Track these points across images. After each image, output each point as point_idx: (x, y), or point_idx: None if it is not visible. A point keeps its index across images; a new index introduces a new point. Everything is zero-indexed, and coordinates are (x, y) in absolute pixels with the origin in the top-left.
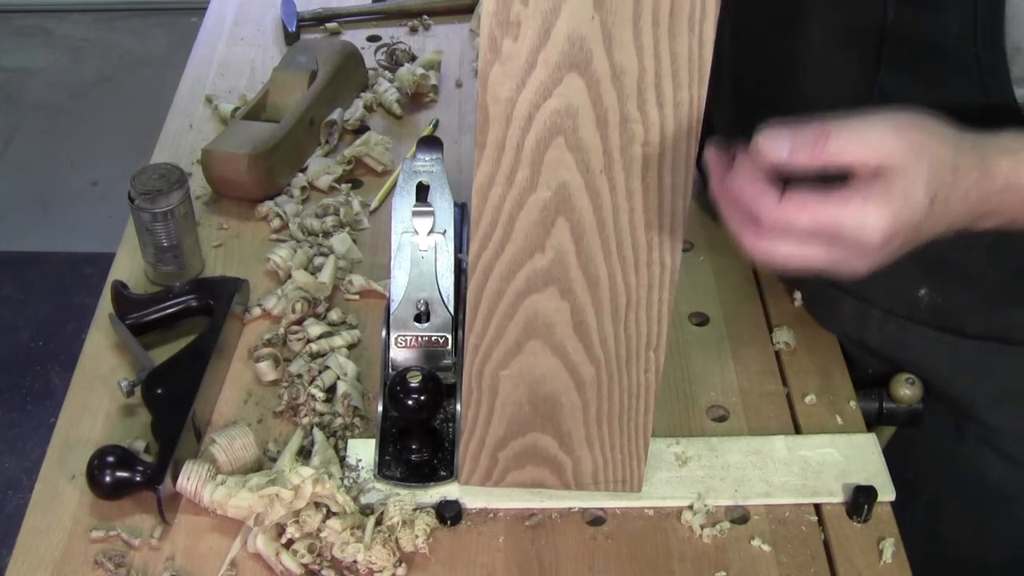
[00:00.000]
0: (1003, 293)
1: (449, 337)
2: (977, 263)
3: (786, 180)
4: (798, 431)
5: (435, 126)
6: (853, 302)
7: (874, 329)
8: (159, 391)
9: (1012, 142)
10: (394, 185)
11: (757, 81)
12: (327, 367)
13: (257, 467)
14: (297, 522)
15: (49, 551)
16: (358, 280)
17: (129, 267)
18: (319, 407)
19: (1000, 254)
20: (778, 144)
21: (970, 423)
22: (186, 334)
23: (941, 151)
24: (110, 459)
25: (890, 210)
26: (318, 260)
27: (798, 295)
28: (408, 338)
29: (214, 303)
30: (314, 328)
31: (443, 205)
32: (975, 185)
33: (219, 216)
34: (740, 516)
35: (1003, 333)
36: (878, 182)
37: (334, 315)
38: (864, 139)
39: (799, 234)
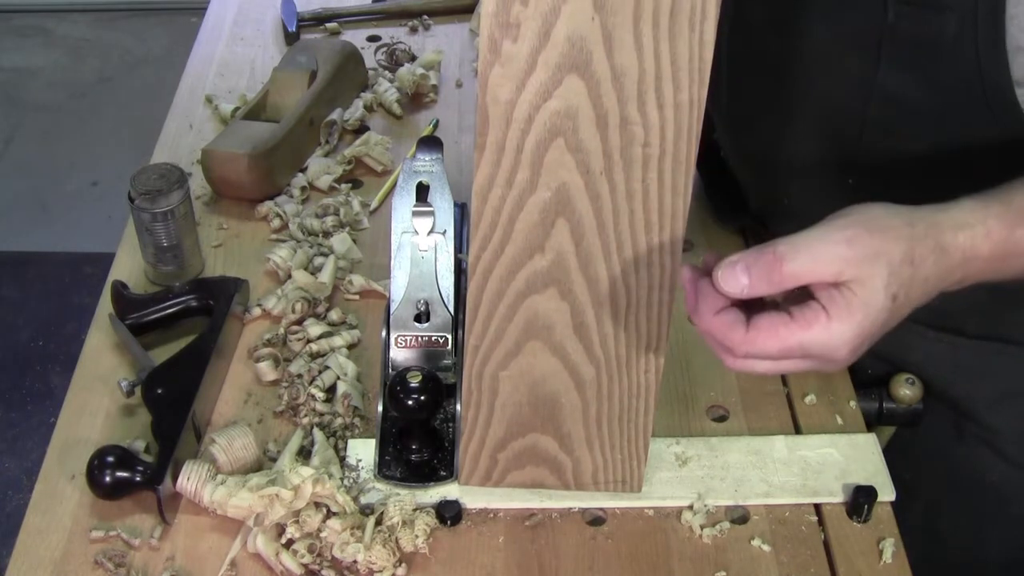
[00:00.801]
0: (1003, 294)
1: (449, 337)
2: None
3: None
4: (798, 431)
5: (435, 126)
6: None
7: None
8: (159, 391)
9: (967, 215)
10: (394, 185)
11: (756, 81)
12: (327, 367)
13: (257, 467)
14: (297, 522)
15: (49, 551)
16: (358, 280)
17: (129, 267)
18: (319, 407)
19: None
20: (735, 278)
21: (969, 423)
22: (186, 334)
23: (896, 249)
24: (110, 459)
25: (853, 323)
26: (318, 260)
27: None
28: (408, 338)
29: (214, 303)
30: (314, 328)
31: (443, 205)
32: (933, 268)
33: (219, 216)
34: (740, 516)
35: (1003, 333)
36: (839, 296)
37: (334, 315)
38: (818, 259)
39: (771, 356)
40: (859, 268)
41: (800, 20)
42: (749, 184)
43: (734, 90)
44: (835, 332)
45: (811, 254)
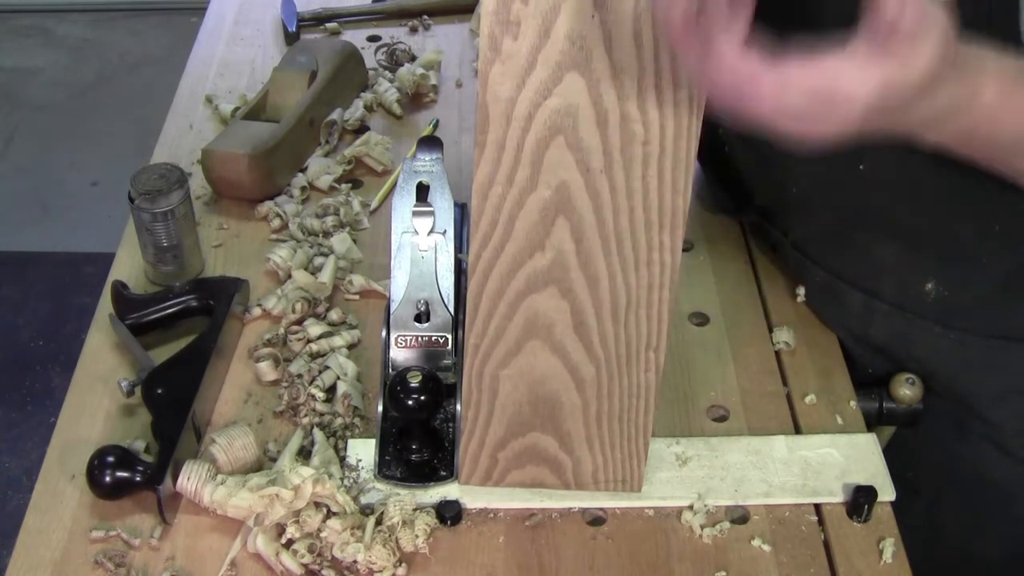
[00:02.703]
0: (1011, 287)
1: (449, 337)
2: (989, 251)
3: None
4: (798, 431)
5: (435, 126)
6: (861, 296)
7: (880, 324)
8: (159, 391)
9: (988, 57)
10: (394, 185)
11: None
12: (327, 367)
13: (257, 467)
14: (297, 522)
15: (49, 551)
16: (358, 280)
17: (129, 267)
18: (319, 407)
19: (1011, 240)
20: None
21: (973, 420)
22: (186, 334)
23: (952, 49)
24: (110, 459)
25: (882, 78)
26: (318, 260)
27: (801, 290)
28: (408, 338)
29: (214, 303)
30: (314, 328)
31: (443, 205)
32: (951, 89)
33: (219, 216)
34: (740, 516)
35: (1010, 330)
36: (892, 47)
37: (334, 315)
38: (932, 28)
39: (797, 104)
40: (934, 46)
41: (812, 17)
42: (755, 175)
43: None
44: (865, 84)
45: (929, 11)
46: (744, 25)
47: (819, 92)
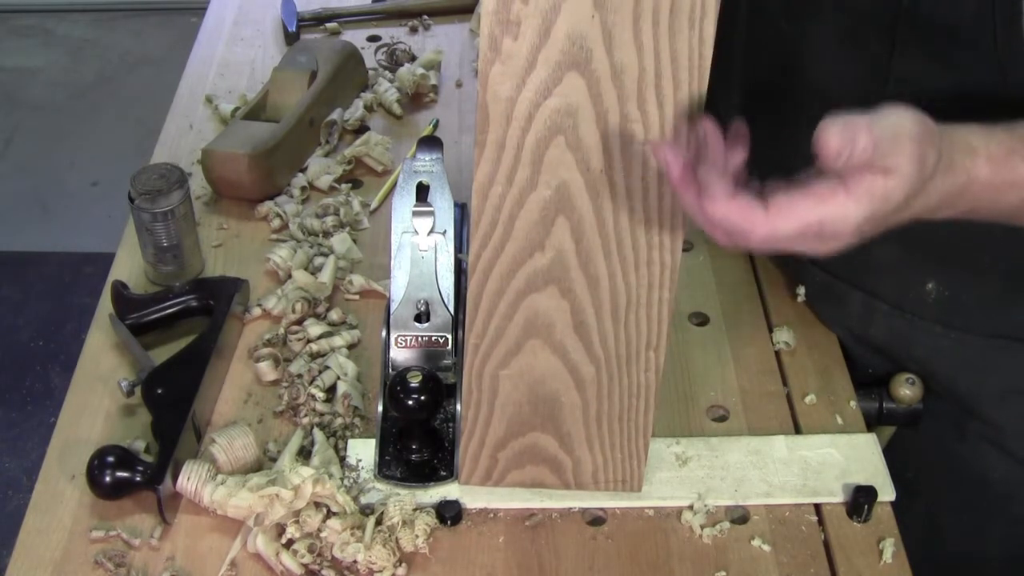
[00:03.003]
0: (1011, 287)
1: (449, 337)
2: (990, 251)
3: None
4: (798, 431)
5: (435, 126)
6: (861, 296)
7: (880, 324)
8: (159, 391)
9: (975, 138)
10: (394, 185)
11: (770, 68)
12: (327, 367)
13: (257, 467)
14: (297, 522)
15: (49, 551)
16: (358, 280)
17: (129, 267)
18: (319, 407)
19: (1010, 243)
20: (844, 139)
21: (973, 420)
22: (186, 334)
23: (932, 155)
24: (110, 459)
25: (869, 207)
26: (318, 260)
27: (801, 290)
28: (408, 338)
29: (214, 303)
30: (314, 328)
31: (443, 205)
32: (941, 183)
33: (219, 216)
34: (740, 516)
35: (1010, 330)
36: (867, 178)
37: (334, 315)
38: (899, 136)
39: (789, 236)
40: (909, 158)
41: (815, 5)
42: (755, 175)
43: (746, 77)
44: (851, 211)
45: (893, 127)
46: (737, 171)
47: (808, 224)
